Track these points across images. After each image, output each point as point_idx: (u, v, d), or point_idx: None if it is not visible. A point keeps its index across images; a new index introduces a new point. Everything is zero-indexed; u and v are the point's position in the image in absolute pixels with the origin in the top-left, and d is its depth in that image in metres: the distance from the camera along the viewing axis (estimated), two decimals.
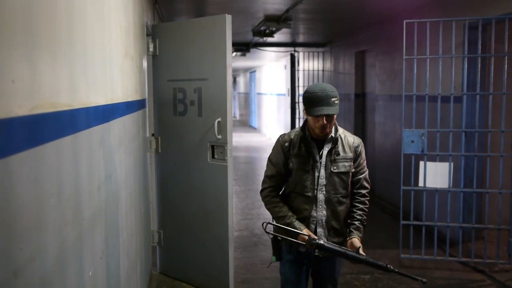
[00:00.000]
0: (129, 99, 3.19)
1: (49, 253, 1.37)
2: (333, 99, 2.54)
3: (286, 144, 2.73)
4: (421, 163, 4.84)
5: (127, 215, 3.00)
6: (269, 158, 2.83)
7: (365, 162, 2.85)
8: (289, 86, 11.56)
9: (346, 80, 9.36)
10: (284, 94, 14.20)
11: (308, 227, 2.69)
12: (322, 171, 2.69)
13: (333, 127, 2.70)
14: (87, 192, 1.85)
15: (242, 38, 9.99)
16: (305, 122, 2.73)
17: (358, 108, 8.88)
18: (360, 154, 2.79)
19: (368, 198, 2.82)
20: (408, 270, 4.81)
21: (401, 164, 4.89)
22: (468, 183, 4.95)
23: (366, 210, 2.80)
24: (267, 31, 8.24)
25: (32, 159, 1.24)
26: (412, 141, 4.76)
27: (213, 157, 4.06)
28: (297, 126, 11.08)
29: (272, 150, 2.82)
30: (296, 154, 2.71)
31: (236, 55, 11.91)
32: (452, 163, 4.74)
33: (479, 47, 4.62)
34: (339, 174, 2.71)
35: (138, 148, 3.72)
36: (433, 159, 4.83)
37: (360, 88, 8.85)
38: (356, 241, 2.66)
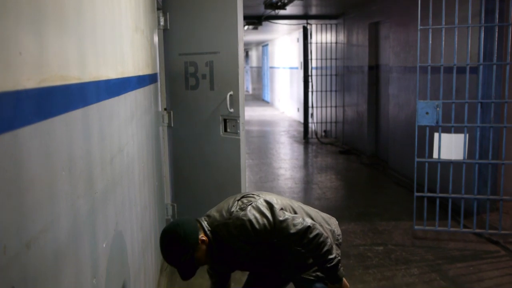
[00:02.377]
0: (140, 73, 3.18)
1: (61, 226, 1.38)
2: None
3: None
4: (436, 135, 4.80)
5: (140, 188, 3.02)
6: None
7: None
8: (301, 59, 11.46)
9: (359, 52, 9.24)
10: (297, 68, 14.09)
11: None
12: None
13: None
14: (99, 165, 1.86)
15: (254, 11, 9.88)
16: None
17: (371, 80, 8.79)
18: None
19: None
20: (422, 241, 4.81)
21: (415, 136, 4.84)
22: (483, 154, 4.90)
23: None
24: (279, 3, 8.14)
25: (41, 132, 1.24)
26: (427, 113, 4.71)
27: (225, 130, 4.06)
28: (310, 99, 11.03)
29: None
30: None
31: (248, 28, 11.80)
32: (467, 135, 4.69)
33: (497, 16, 4.52)
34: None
35: (150, 122, 3.73)
36: (448, 130, 4.78)
37: (374, 60, 8.74)
38: None
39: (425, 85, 4.79)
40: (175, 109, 4.47)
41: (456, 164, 4.78)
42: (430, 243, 4.77)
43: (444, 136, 4.77)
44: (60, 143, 1.39)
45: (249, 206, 2.34)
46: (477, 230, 4.84)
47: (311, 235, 2.30)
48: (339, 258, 2.40)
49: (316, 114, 11.55)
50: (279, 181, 7.32)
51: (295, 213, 2.48)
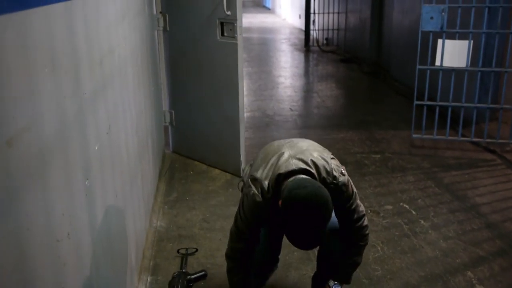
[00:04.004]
0: None
1: (47, 125, 1.33)
2: (326, 217, 1.86)
3: (263, 216, 2.15)
4: (439, 41, 4.65)
5: (134, 93, 2.96)
6: (240, 218, 2.22)
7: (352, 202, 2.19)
8: None
9: None
10: None
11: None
12: None
13: None
14: (86, 65, 1.78)
15: None
16: (277, 201, 2.00)
17: None
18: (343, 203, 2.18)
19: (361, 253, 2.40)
20: (419, 149, 4.83)
21: (418, 42, 4.70)
22: (487, 62, 4.78)
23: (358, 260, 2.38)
24: None
25: (17, 24, 1.15)
26: (432, 18, 4.53)
27: (222, 34, 3.92)
28: (312, 5, 10.65)
29: (246, 208, 2.17)
30: (269, 227, 2.32)
31: None
32: (471, 41, 4.54)
33: None
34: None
35: (144, 24, 3.59)
36: (452, 36, 4.63)
37: None
38: None
39: None
40: (170, 12, 4.30)
41: (458, 72, 4.68)
42: (427, 152, 4.79)
43: (448, 42, 4.63)
44: (40, 38, 1.31)
45: (344, 174, 2.13)
46: (475, 139, 4.83)
47: (364, 223, 2.25)
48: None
49: (317, 21, 11.22)
50: (278, 89, 7.24)
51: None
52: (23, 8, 1.19)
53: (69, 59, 1.57)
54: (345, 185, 2.11)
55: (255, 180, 2.12)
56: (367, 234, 2.29)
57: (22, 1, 1.19)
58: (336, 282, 2.36)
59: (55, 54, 1.43)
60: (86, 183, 1.72)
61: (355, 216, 2.21)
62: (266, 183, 2.07)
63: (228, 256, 2.33)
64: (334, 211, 2.19)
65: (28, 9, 1.22)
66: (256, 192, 2.08)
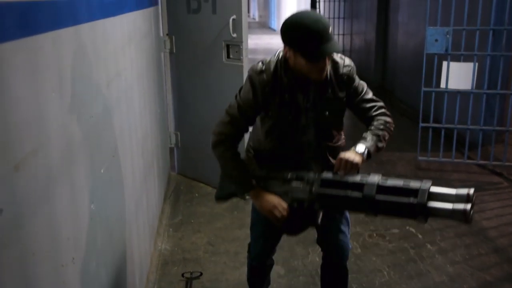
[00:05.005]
0: None
1: (53, 148, 1.34)
2: (330, 30, 1.85)
3: (267, 89, 2.00)
4: (444, 64, 4.66)
5: (141, 115, 2.97)
6: (237, 100, 2.11)
7: (364, 85, 2.16)
8: None
9: None
10: None
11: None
12: (310, 119, 2.05)
13: None
14: (94, 88, 1.79)
15: None
16: (285, 61, 1.98)
17: (381, 6, 8.47)
18: (352, 85, 2.10)
19: (389, 121, 2.11)
20: (425, 172, 4.80)
21: (423, 64, 4.71)
22: (492, 85, 4.78)
23: (388, 125, 2.09)
24: None
25: (27, 49, 1.16)
26: (436, 40, 4.55)
27: (228, 56, 3.94)
28: None
29: (244, 88, 2.08)
30: (279, 103, 2.02)
31: None
32: (476, 64, 4.55)
33: None
34: (331, 119, 2.08)
35: (151, 47, 3.62)
36: (457, 59, 4.64)
37: None
38: (356, 150, 1.98)
39: (436, 10, 4.59)
40: (177, 34, 4.33)
41: (463, 94, 4.68)
42: (433, 174, 4.77)
43: (453, 64, 4.64)
44: (49, 63, 1.32)
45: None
46: (481, 162, 4.81)
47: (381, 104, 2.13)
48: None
49: None
50: None
51: None
52: (33, 34, 1.20)
53: (77, 83, 1.57)
54: (355, 71, 2.12)
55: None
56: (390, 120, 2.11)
57: (32, 27, 1.20)
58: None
59: (63, 79, 1.44)
60: (92, 206, 1.71)
61: (372, 104, 2.11)
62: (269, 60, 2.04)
63: (214, 143, 2.13)
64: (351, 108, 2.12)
65: (38, 35, 1.23)
66: (260, 64, 2.04)
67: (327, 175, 1.95)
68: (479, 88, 4.71)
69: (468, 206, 1.74)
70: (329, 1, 10.69)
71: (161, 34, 4.35)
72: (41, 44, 1.26)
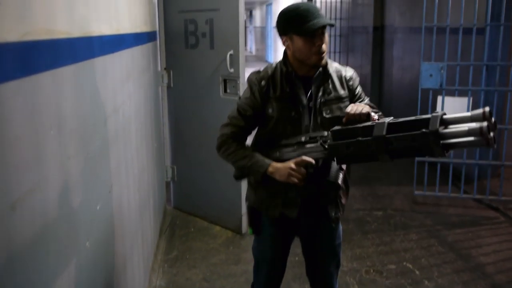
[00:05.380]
0: (138, 31, 3.08)
1: (50, 186, 1.33)
2: (319, 10, 1.99)
3: (263, 83, 2.05)
4: (439, 98, 4.71)
5: (137, 150, 2.97)
6: (237, 103, 2.13)
7: (365, 97, 2.24)
8: None
9: (364, 12, 9.04)
10: None
11: (293, 199, 2.10)
12: (312, 118, 2.06)
13: None
14: (92, 125, 1.80)
15: None
16: (285, 55, 2.08)
17: (376, 41, 8.61)
18: (355, 88, 2.17)
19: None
20: (421, 206, 4.79)
21: (418, 99, 4.76)
22: None
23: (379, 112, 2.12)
24: None
25: (26, 89, 1.17)
26: (431, 75, 4.60)
27: (225, 91, 3.97)
28: None
29: (244, 93, 2.13)
30: (279, 97, 2.03)
31: None
32: (471, 98, 4.60)
33: None
34: (333, 120, 2.06)
35: (149, 81, 3.65)
36: (451, 94, 4.69)
37: (379, 21, 8.54)
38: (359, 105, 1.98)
39: (430, 46, 4.67)
40: (174, 68, 4.37)
41: None
42: (430, 209, 4.76)
43: (448, 99, 4.69)
44: (48, 101, 1.33)
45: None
46: (477, 196, 4.81)
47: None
48: None
49: None
50: None
51: None
52: (33, 73, 1.21)
53: (75, 120, 1.58)
54: (358, 79, 2.19)
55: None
56: None
57: (32, 66, 1.21)
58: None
59: (61, 116, 1.44)
60: (87, 244, 1.69)
61: (374, 110, 2.10)
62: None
63: (218, 146, 2.14)
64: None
65: (38, 74, 1.24)
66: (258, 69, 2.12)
67: (337, 128, 1.93)
68: None
69: (485, 123, 1.56)
70: None
71: (159, 69, 4.39)
72: (41, 83, 1.27)
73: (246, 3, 13.37)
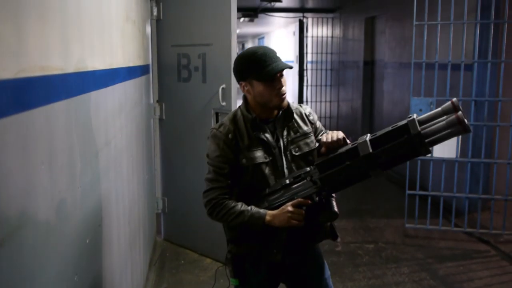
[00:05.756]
0: (131, 64, 3.12)
1: (40, 221, 1.33)
2: (276, 53, 2.02)
3: (231, 136, 2.02)
4: None
5: (128, 182, 2.97)
6: (209, 164, 2.08)
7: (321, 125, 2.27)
8: (297, 53, 11.39)
9: (355, 47, 9.19)
10: (292, 61, 14.02)
11: (275, 238, 2.03)
12: (284, 158, 2.06)
13: None
14: (83, 159, 1.81)
15: (249, 3, 9.81)
16: (246, 101, 2.08)
17: (366, 76, 8.74)
18: (316, 122, 2.20)
19: None
20: (412, 239, 4.79)
21: None
22: (476, 153, 4.87)
23: None
24: None
25: (19, 124, 1.19)
26: (420, 110, 4.67)
27: None
28: (305, 94, 10.97)
29: (209, 150, 2.08)
30: (248, 146, 2.02)
31: (244, 20, 11.73)
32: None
33: (493, 13, 4.48)
34: (304, 156, 2.08)
35: (141, 114, 3.67)
36: None
37: (369, 56, 8.69)
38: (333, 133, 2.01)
39: (420, 81, 4.75)
40: (167, 101, 4.41)
41: (448, 162, 4.76)
42: (421, 242, 4.76)
43: None
44: (40, 136, 1.34)
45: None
46: (468, 229, 4.82)
47: None
48: None
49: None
50: None
51: None
52: (27, 109, 1.23)
53: (66, 154, 1.59)
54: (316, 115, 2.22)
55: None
56: None
57: (26, 103, 1.23)
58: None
59: (53, 151, 1.45)
60: (75, 278, 1.68)
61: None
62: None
63: (208, 213, 2.09)
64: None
65: (30, 110, 1.26)
66: (217, 124, 2.12)
67: (319, 160, 1.95)
68: (464, 156, 4.79)
69: (459, 113, 1.71)
70: (317, 70, 11.01)
71: (152, 101, 4.42)
72: (34, 119, 1.28)
73: (238, 37, 13.50)
